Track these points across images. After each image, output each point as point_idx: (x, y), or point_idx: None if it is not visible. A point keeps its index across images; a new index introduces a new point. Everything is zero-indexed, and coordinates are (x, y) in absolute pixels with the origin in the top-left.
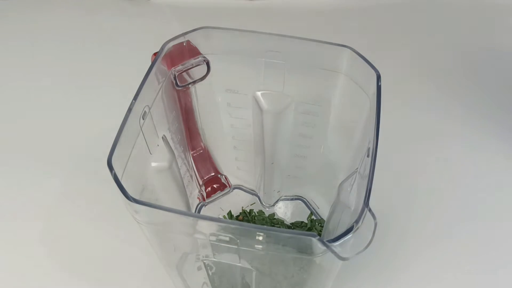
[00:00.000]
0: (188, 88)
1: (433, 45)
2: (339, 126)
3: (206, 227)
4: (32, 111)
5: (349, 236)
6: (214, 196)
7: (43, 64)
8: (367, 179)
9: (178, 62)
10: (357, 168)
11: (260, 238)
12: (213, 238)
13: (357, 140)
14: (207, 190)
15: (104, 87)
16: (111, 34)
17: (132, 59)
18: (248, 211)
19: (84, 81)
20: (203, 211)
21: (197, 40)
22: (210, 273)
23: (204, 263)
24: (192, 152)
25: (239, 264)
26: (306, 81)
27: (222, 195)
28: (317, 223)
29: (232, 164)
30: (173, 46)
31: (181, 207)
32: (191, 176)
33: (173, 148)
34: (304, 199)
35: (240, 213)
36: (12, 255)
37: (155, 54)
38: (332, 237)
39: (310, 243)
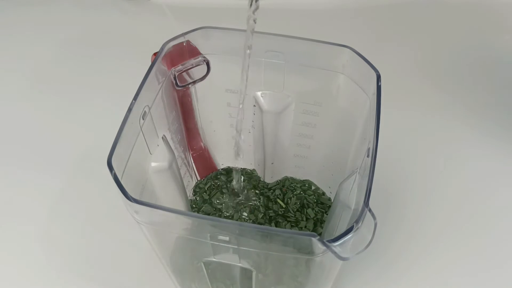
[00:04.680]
0: (188, 88)
1: (433, 45)
2: (339, 126)
3: (205, 227)
4: (31, 111)
5: (349, 236)
6: None
7: (42, 64)
8: (367, 179)
9: (178, 62)
10: (357, 168)
11: (260, 238)
12: (213, 238)
13: (357, 140)
14: None
15: (104, 87)
16: (111, 34)
17: (132, 59)
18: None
19: (83, 80)
20: None
21: (197, 40)
22: (210, 273)
23: (204, 263)
24: (192, 152)
25: (239, 264)
26: (306, 81)
27: None
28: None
29: (232, 164)
30: (173, 46)
31: (181, 207)
32: (191, 176)
33: (173, 148)
34: None
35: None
36: (12, 254)
37: (155, 54)
38: (332, 237)
39: (310, 243)
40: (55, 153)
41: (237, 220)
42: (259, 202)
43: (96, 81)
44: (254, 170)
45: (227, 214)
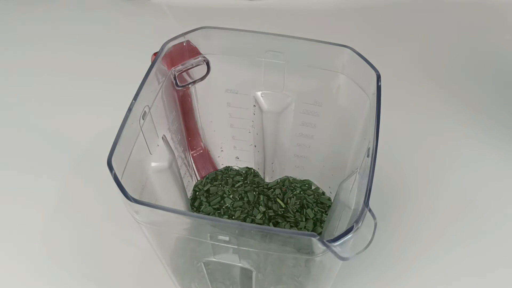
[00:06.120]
0: (188, 88)
1: (433, 45)
2: (339, 126)
3: (206, 227)
4: (31, 111)
5: (349, 236)
6: None
7: (43, 64)
8: (367, 179)
9: (178, 62)
10: (357, 168)
11: (260, 237)
12: (213, 238)
13: (357, 140)
14: None
15: (104, 87)
16: (111, 34)
17: (132, 59)
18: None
19: (84, 81)
20: None
21: (197, 40)
22: (209, 273)
23: (204, 263)
24: (192, 152)
25: (239, 264)
26: (306, 81)
27: None
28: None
29: (232, 163)
30: (173, 46)
31: (181, 207)
32: (191, 176)
33: (173, 148)
34: None
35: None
36: (12, 254)
37: (155, 54)
38: (332, 237)
39: (310, 243)
40: (55, 153)
41: (236, 219)
42: (259, 201)
43: (96, 81)
44: (254, 169)
45: (227, 214)
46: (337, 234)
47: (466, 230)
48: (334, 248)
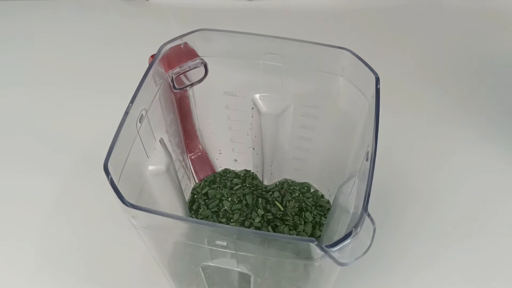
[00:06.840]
0: (186, 90)
1: (432, 47)
2: (338, 129)
3: (203, 232)
4: (29, 113)
5: (348, 241)
6: None
7: (41, 64)
8: (366, 183)
9: (176, 65)
10: (356, 171)
11: (258, 242)
12: (211, 243)
13: (356, 143)
14: None
15: (101, 90)
16: (110, 35)
17: (130, 61)
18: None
19: (81, 83)
20: None
21: (195, 42)
22: (207, 277)
23: (202, 268)
24: (190, 155)
25: (237, 269)
26: (305, 83)
27: None
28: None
29: (230, 166)
30: (171, 48)
31: (179, 211)
32: (189, 179)
33: (170, 151)
34: None
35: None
36: (10, 256)
37: (152, 56)
38: (331, 242)
39: (308, 248)
40: (52, 156)
41: (235, 222)
42: (258, 204)
43: (93, 83)
44: (252, 172)
45: (225, 217)
46: (336, 238)
47: (467, 235)
48: (332, 254)
